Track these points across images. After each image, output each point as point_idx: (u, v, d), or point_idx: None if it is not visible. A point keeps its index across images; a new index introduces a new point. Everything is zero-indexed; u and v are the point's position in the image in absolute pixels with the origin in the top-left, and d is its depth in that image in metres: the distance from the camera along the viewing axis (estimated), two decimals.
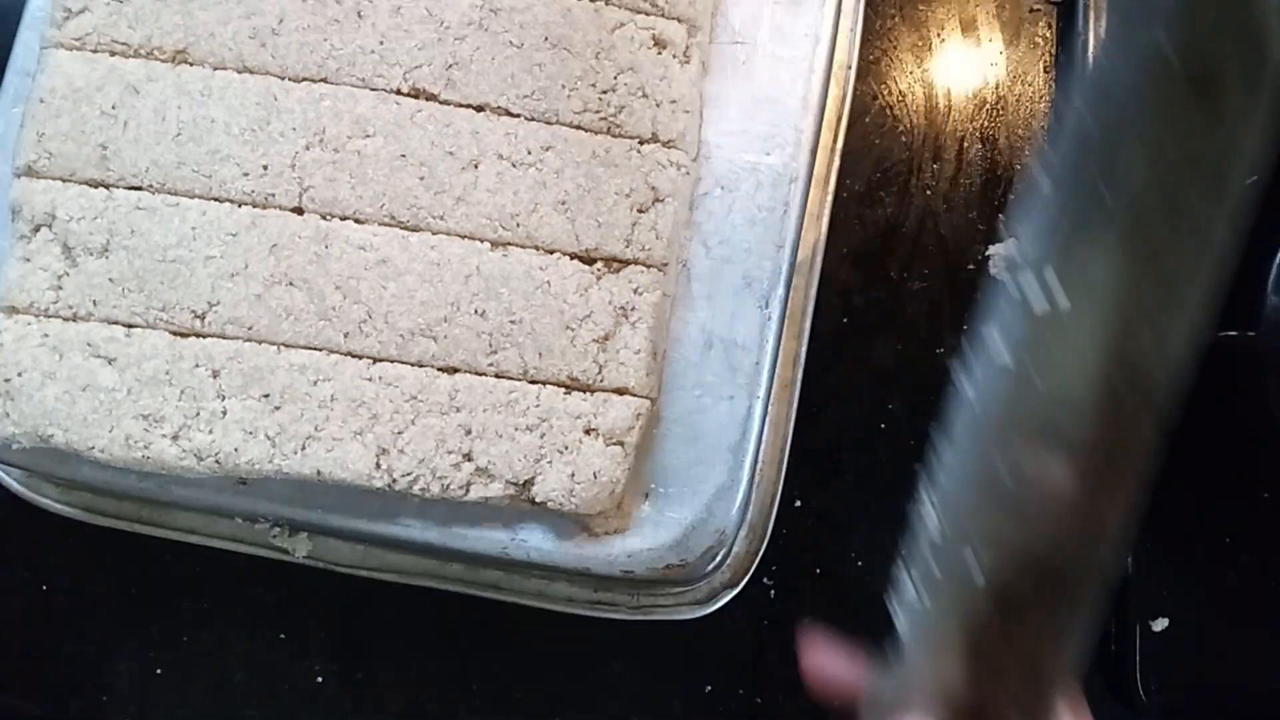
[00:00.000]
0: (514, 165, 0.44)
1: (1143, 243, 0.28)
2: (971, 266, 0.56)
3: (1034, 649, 0.29)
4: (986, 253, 0.56)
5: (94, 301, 0.42)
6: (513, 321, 0.43)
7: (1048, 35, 0.58)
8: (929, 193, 0.56)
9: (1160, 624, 0.54)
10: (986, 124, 0.57)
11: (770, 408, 0.46)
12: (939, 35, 0.57)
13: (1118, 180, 0.27)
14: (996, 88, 0.57)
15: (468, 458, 0.43)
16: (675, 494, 0.45)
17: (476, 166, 0.44)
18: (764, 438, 0.46)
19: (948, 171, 0.55)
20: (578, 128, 0.44)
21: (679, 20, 0.45)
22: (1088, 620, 0.29)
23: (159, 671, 0.53)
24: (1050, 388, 0.28)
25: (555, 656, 0.53)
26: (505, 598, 0.50)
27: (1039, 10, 0.58)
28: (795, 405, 0.47)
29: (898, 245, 0.55)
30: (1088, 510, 0.28)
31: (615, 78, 0.44)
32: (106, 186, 0.43)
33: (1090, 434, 0.28)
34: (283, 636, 0.53)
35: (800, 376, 0.47)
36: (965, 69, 0.57)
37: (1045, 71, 0.58)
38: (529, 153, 0.44)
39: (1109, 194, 0.27)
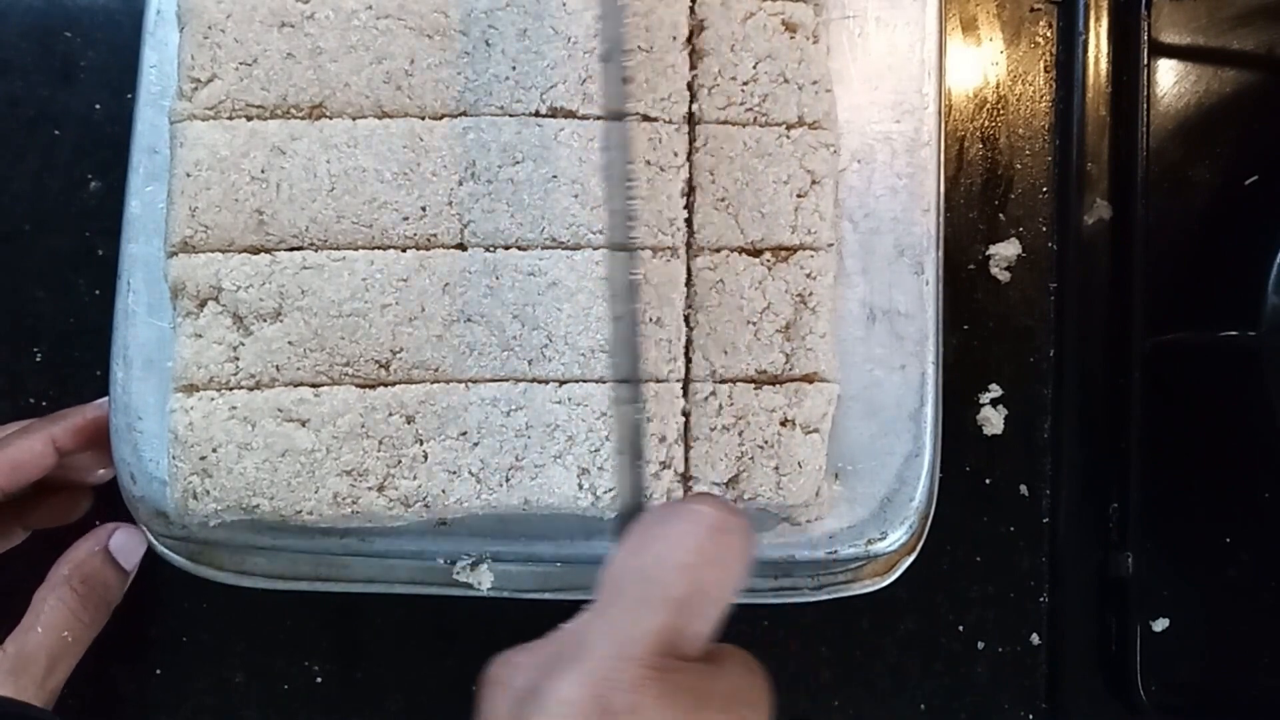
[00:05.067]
0: (663, 170, 0.44)
1: None
2: (972, 266, 0.57)
3: None
4: (987, 252, 0.57)
5: (276, 367, 0.42)
6: (691, 324, 0.43)
7: (1048, 35, 0.58)
8: None
9: (1160, 624, 0.55)
10: (986, 124, 0.58)
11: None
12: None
13: None
14: (997, 87, 0.58)
15: (666, 465, 0.43)
16: (865, 469, 0.45)
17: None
18: (941, 400, 0.46)
19: (948, 171, 0.55)
20: (724, 123, 0.44)
21: (804, 1, 0.45)
22: None
23: (159, 672, 0.54)
24: None
25: None
26: None
27: (1039, 10, 0.58)
28: None
29: None
30: None
31: (755, 67, 0.44)
32: (269, 251, 0.43)
33: None
34: (283, 637, 0.54)
35: None
36: (965, 69, 0.58)
37: (1045, 71, 0.58)
38: (676, 155, 0.44)
39: None
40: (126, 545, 0.48)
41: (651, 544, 0.30)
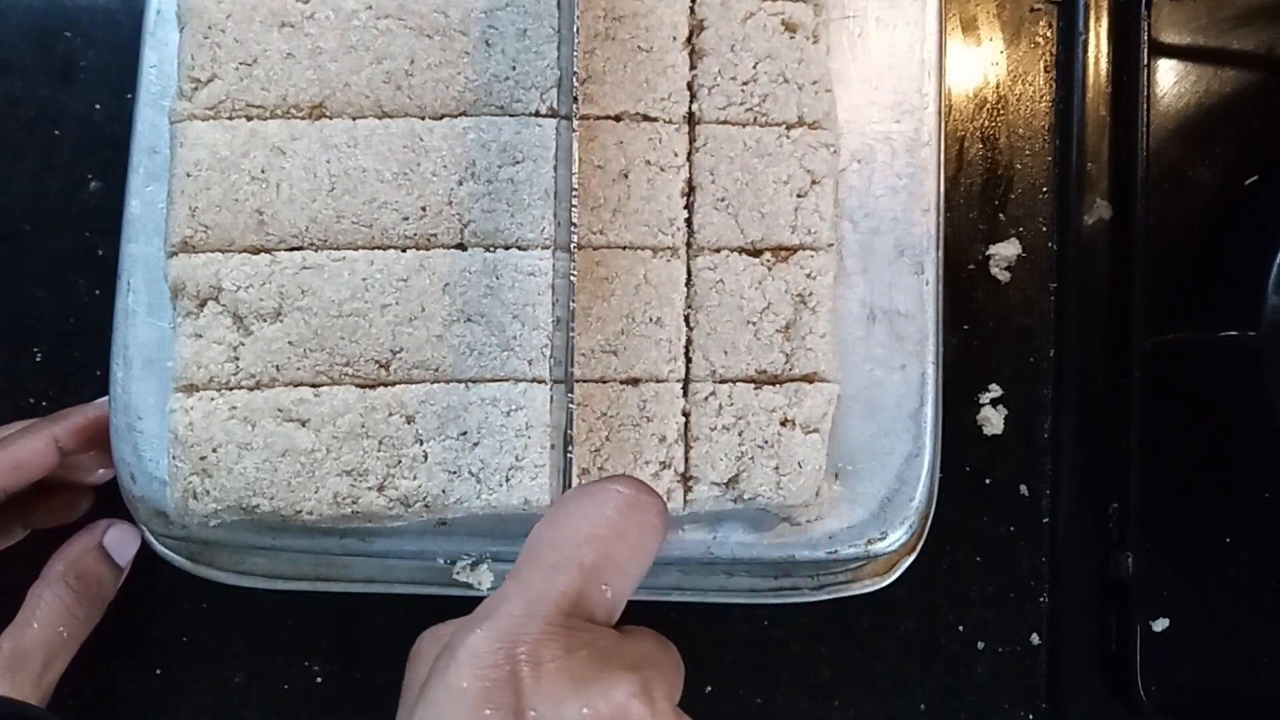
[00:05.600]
0: (662, 170, 0.44)
1: None
2: (972, 266, 0.57)
3: None
4: (987, 252, 0.57)
5: (276, 367, 0.42)
6: (691, 325, 0.43)
7: (1048, 35, 0.58)
8: None
9: (1160, 624, 0.55)
10: (986, 124, 0.58)
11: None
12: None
13: None
14: (997, 87, 0.58)
15: (665, 465, 0.43)
16: (865, 469, 0.45)
17: (626, 176, 0.44)
18: (941, 400, 0.46)
19: (948, 171, 0.55)
20: (724, 123, 0.44)
21: (804, 1, 0.45)
22: None
23: (159, 671, 0.54)
24: None
25: None
26: (688, 598, 0.50)
27: (1039, 10, 0.58)
28: None
29: None
30: None
31: (754, 67, 0.44)
32: (269, 251, 0.43)
33: None
34: (283, 637, 0.54)
35: None
36: (965, 69, 0.58)
37: (1045, 71, 0.58)
38: (676, 155, 0.44)
39: None
40: (120, 541, 0.49)
41: (567, 517, 0.32)
